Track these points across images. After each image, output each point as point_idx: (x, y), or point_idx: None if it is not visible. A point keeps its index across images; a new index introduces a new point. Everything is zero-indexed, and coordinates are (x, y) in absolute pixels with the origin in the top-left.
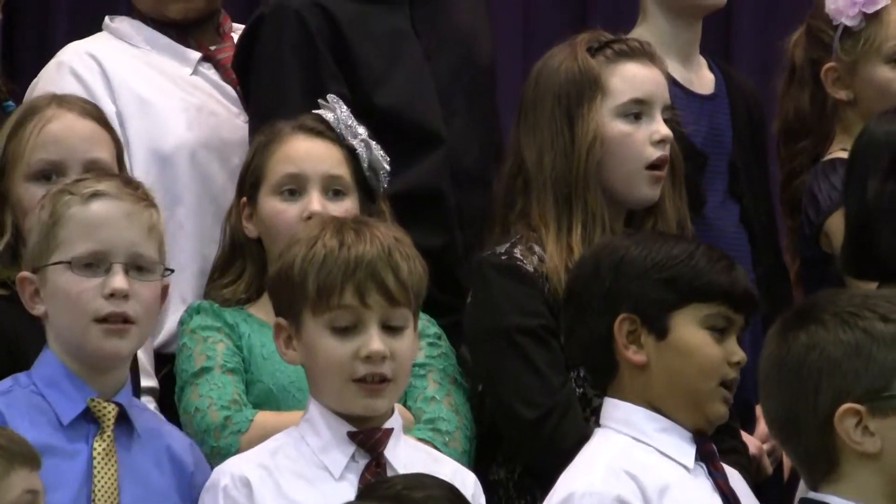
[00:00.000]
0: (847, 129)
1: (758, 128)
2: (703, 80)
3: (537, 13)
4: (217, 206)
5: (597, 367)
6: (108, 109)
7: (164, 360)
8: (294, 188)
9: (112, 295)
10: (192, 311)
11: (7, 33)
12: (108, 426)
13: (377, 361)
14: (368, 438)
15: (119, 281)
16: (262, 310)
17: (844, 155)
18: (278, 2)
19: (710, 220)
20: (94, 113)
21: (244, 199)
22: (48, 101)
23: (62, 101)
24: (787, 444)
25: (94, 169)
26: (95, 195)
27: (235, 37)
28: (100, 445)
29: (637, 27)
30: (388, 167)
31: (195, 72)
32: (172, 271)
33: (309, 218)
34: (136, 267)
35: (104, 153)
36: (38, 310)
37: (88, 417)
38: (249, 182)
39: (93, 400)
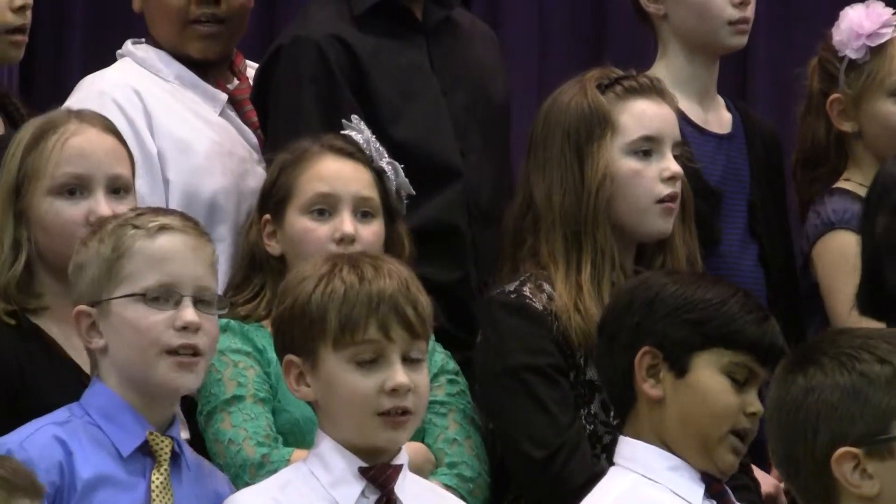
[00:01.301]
0: (855, 161)
1: (776, 168)
2: (720, 119)
3: (553, 51)
4: None
5: (617, 400)
6: (151, 150)
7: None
8: (324, 208)
9: (185, 328)
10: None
11: (24, 68)
12: (164, 460)
13: (402, 394)
14: (380, 474)
15: (191, 314)
16: None
17: (846, 185)
18: (297, 33)
19: (729, 259)
20: (113, 129)
21: (267, 216)
22: (67, 116)
23: (81, 115)
24: (791, 483)
25: (117, 184)
26: (163, 228)
27: (250, 74)
28: (157, 479)
29: (655, 65)
30: (412, 191)
31: (221, 113)
32: (232, 305)
33: (341, 239)
34: (202, 300)
35: (125, 169)
36: (95, 343)
37: (144, 450)
38: (275, 199)
39: (152, 434)
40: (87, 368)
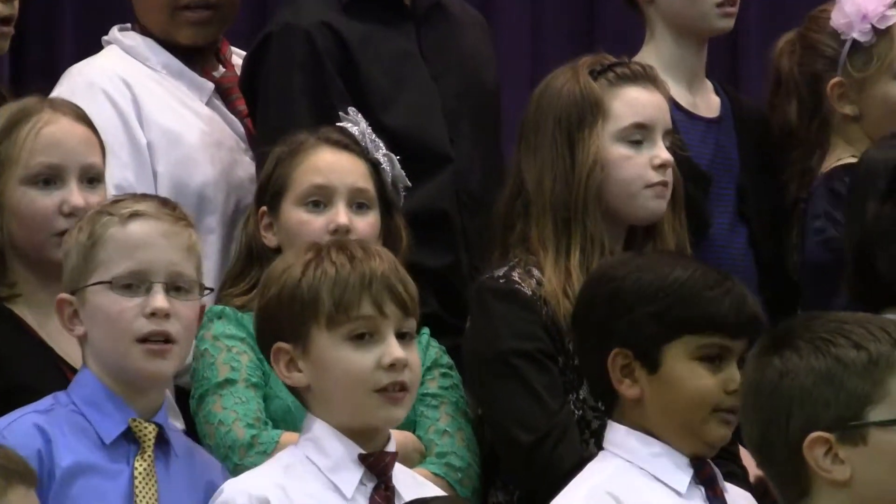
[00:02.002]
0: (851, 143)
1: (766, 150)
2: (709, 103)
3: (545, 38)
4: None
5: (601, 395)
6: (140, 141)
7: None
8: (320, 199)
9: (153, 314)
10: (212, 316)
11: (15, 58)
12: (148, 446)
13: (400, 369)
14: (379, 462)
15: (160, 300)
16: None
17: (852, 160)
18: (286, 21)
19: (718, 242)
20: (85, 117)
21: (263, 208)
22: (40, 105)
23: (54, 104)
24: (764, 468)
25: (90, 173)
26: (134, 215)
27: (235, 61)
28: (141, 465)
29: (643, 49)
30: (408, 182)
31: (208, 102)
32: (211, 290)
33: (335, 230)
34: (176, 287)
35: (98, 158)
36: (77, 331)
37: (129, 437)
38: (271, 192)
39: (134, 420)
40: (63, 353)
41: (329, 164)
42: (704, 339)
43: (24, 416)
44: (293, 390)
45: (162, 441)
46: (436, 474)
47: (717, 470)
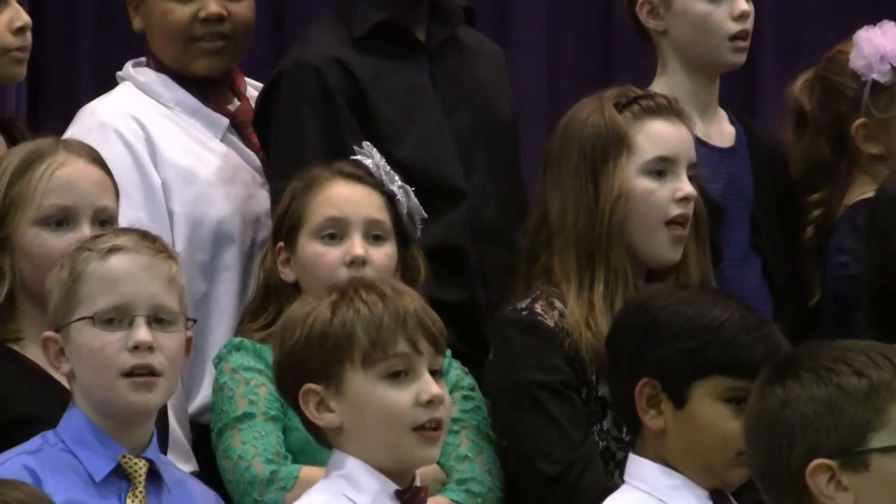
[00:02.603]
0: (877, 179)
1: (781, 180)
2: (722, 133)
3: (560, 69)
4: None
5: (626, 421)
6: (154, 181)
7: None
8: (335, 232)
9: (136, 347)
10: (230, 348)
11: (32, 90)
12: (139, 482)
13: (437, 405)
14: (415, 498)
15: (142, 333)
16: None
17: None
18: (297, 58)
19: (731, 274)
20: (99, 160)
21: (280, 243)
22: (54, 146)
23: (69, 145)
24: (767, 495)
25: (103, 216)
26: (113, 249)
27: (250, 93)
28: (132, 502)
29: (655, 81)
30: (424, 214)
31: (223, 138)
32: (195, 321)
33: (352, 262)
34: (158, 319)
35: (111, 201)
36: (63, 368)
37: (119, 474)
38: (287, 227)
39: (124, 457)
40: (70, 387)
41: (343, 197)
42: (734, 381)
43: (13, 458)
44: (315, 432)
45: (153, 475)
46: (455, 501)
47: (734, 502)
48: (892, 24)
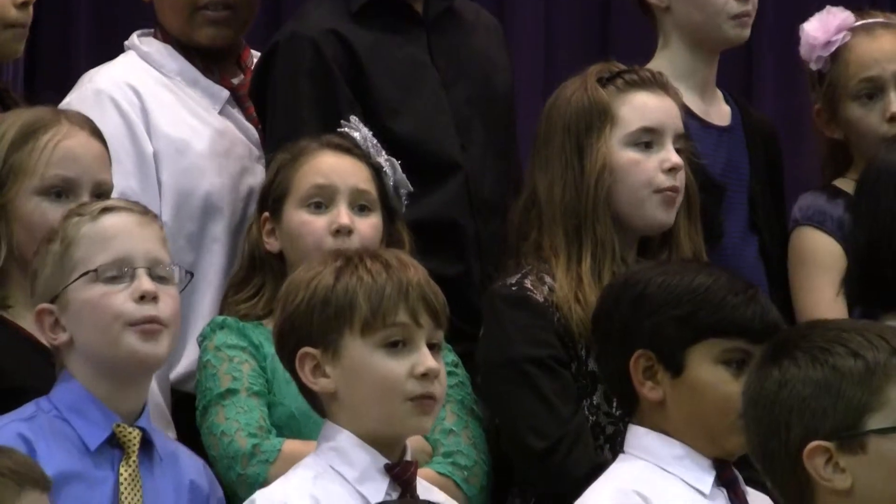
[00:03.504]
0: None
1: (774, 161)
2: (720, 112)
3: (558, 47)
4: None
5: (621, 398)
6: (146, 150)
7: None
8: (321, 200)
9: (142, 298)
10: (214, 327)
11: (29, 61)
12: (133, 451)
13: (431, 379)
14: (404, 472)
15: (147, 283)
16: None
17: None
18: (293, 30)
19: (730, 252)
20: (98, 133)
21: (266, 214)
22: (56, 116)
23: (70, 117)
24: (767, 478)
25: (100, 189)
26: (105, 210)
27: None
28: (126, 471)
29: (656, 57)
30: (410, 188)
31: (222, 110)
32: (192, 275)
33: (337, 231)
34: (157, 276)
35: (109, 175)
36: (60, 339)
37: (113, 443)
38: (273, 197)
39: (118, 425)
40: None
41: (331, 166)
42: (728, 343)
43: (7, 425)
44: (310, 398)
45: (145, 445)
46: (441, 474)
47: (737, 472)
48: (836, 9)
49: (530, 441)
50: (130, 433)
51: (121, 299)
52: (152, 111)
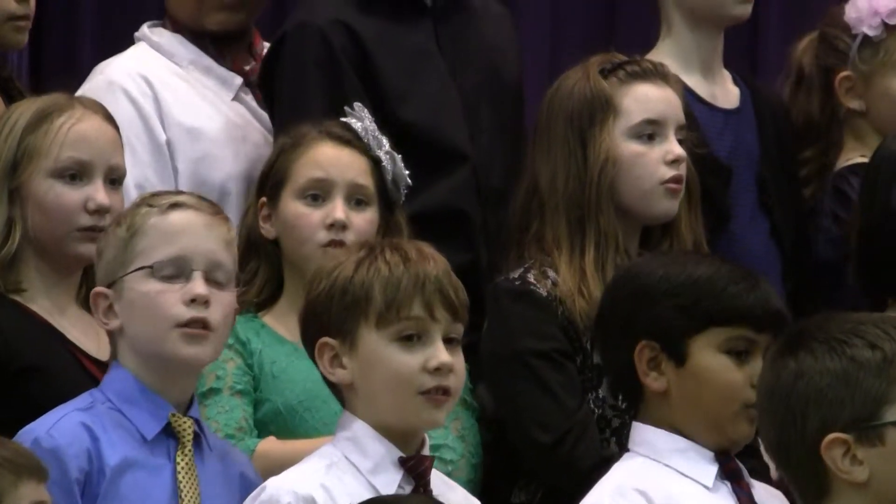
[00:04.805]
0: (859, 138)
1: (786, 140)
2: (727, 94)
3: (563, 35)
4: None
5: (625, 393)
6: (160, 138)
7: None
8: (318, 193)
9: (193, 301)
10: None
11: (34, 52)
12: (187, 441)
13: (445, 373)
14: (419, 465)
15: (200, 286)
16: (279, 321)
17: (861, 160)
18: (301, 19)
19: (739, 235)
20: (111, 118)
21: (263, 199)
22: (70, 102)
23: (84, 102)
24: (782, 470)
25: (114, 174)
26: (175, 205)
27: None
28: (182, 460)
29: (660, 42)
30: (409, 181)
31: (235, 97)
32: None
33: (332, 225)
34: (214, 278)
35: (122, 160)
36: (112, 325)
37: (168, 432)
38: (271, 183)
39: (174, 415)
40: (75, 340)
41: (329, 159)
42: (731, 331)
43: (68, 414)
44: (333, 388)
45: (196, 436)
46: None
47: (741, 464)
48: None
49: (536, 434)
50: (185, 423)
51: (172, 299)
52: (165, 100)
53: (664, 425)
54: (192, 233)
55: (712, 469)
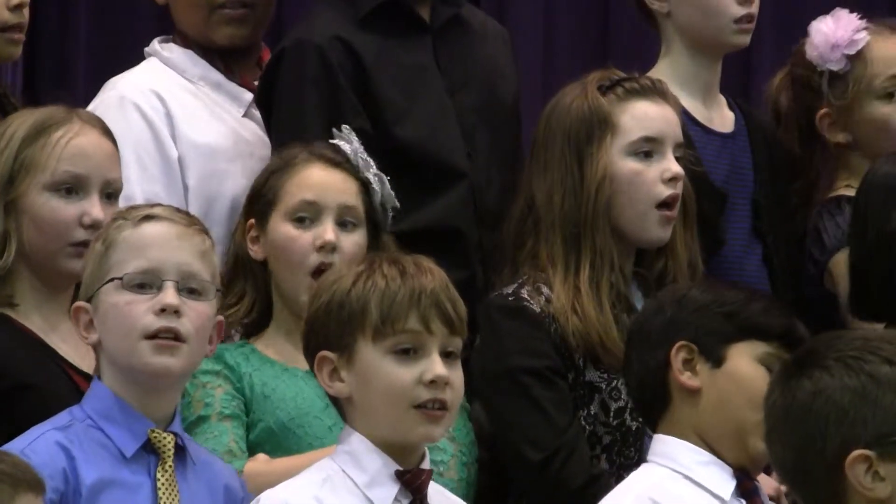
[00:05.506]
0: (851, 169)
1: (779, 165)
2: (723, 118)
3: (558, 54)
4: None
5: (650, 399)
6: (171, 155)
7: None
8: (307, 216)
9: (163, 311)
10: None
11: (28, 66)
12: (168, 456)
13: (441, 386)
14: (415, 478)
15: (170, 296)
16: (270, 346)
17: (850, 192)
18: (299, 36)
19: (733, 259)
20: (109, 132)
21: (252, 220)
22: (68, 115)
23: (82, 116)
24: (797, 490)
25: (110, 188)
26: (147, 218)
27: None
28: (163, 476)
29: (659, 64)
30: (397, 203)
31: (245, 112)
32: (221, 291)
33: (321, 247)
34: (189, 288)
35: (119, 174)
36: (91, 339)
37: (148, 448)
38: (261, 204)
39: (153, 431)
40: (66, 356)
41: (320, 181)
42: (772, 347)
43: (45, 433)
44: (335, 401)
45: (178, 450)
46: None
47: (759, 484)
48: (844, 11)
49: (526, 452)
50: (165, 438)
51: (142, 310)
52: (176, 116)
53: (688, 431)
54: (164, 244)
55: (731, 484)
